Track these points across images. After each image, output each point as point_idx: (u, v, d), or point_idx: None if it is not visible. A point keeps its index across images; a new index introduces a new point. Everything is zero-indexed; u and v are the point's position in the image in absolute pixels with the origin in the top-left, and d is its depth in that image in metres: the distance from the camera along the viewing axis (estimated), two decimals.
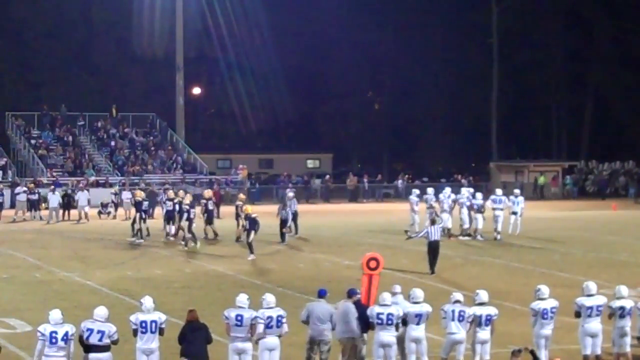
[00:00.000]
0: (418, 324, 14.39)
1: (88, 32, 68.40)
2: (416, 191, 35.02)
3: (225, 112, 73.86)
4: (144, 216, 31.56)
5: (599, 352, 14.83)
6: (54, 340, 12.65)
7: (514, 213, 33.76)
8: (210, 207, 32.27)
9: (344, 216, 43.47)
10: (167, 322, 13.58)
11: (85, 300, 20.01)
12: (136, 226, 31.46)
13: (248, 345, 13.66)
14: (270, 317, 13.72)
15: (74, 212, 39.74)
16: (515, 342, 15.10)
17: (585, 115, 73.06)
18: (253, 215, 27.48)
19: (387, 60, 72.81)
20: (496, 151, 69.03)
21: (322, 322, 14.33)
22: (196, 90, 70.62)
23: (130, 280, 23.68)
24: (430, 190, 34.51)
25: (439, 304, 14.79)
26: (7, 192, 43.92)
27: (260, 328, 13.64)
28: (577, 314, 14.88)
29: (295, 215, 32.95)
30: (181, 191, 34.17)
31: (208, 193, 33.68)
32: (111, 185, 47.39)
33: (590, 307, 14.75)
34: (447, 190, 34.21)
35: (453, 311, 14.44)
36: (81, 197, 39.71)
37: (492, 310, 14.56)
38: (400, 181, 57.99)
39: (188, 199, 30.63)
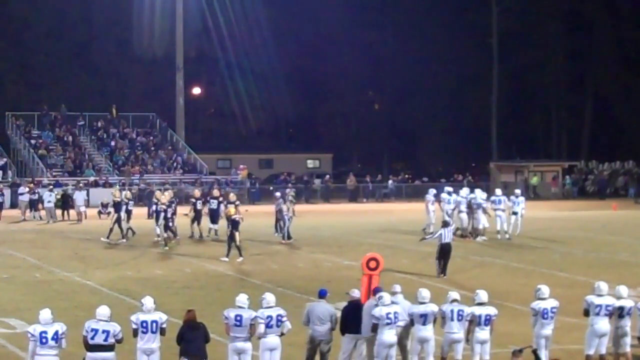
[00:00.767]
0: (424, 324, 14.38)
1: (88, 32, 68.43)
2: (433, 190, 34.84)
3: (225, 112, 73.87)
4: (123, 216, 31.51)
5: (603, 351, 14.82)
6: (44, 340, 12.63)
7: (515, 213, 33.75)
8: (214, 206, 32.26)
9: (344, 216, 43.47)
10: (167, 322, 13.57)
11: (85, 300, 20.01)
12: (125, 225, 31.65)
13: (248, 345, 13.65)
14: (270, 317, 13.70)
15: (73, 212, 39.72)
16: (516, 342, 15.09)
17: (585, 115, 73.07)
18: (234, 217, 27.23)
19: (387, 60, 72.84)
20: (496, 151, 69.05)
21: (323, 322, 14.32)
22: (196, 90, 70.63)
23: (130, 280, 23.67)
24: (448, 189, 34.42)
25: (439, 304, 14.78)
26: (7, 192, 43.96)
27: (262, 328, 13.64)
28: (586, 312, 14.88)
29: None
30: (157, 191, 34.27)
31: (197, 193, 33.72)
32: (111, 185, 47.38)
33: (599, 306, 14.75)
34: (465, 190, 34.10)
35: (452, 311, 14.44)
36: (78, 197, 39.63)
37: (491, 310, 14.55)
38: (390, 182, 57.90)
39: (164, 199, 30.69)
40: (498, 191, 34.84)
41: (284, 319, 13.81)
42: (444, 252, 24.06)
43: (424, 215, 34.66)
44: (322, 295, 14.73)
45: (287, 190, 36.97)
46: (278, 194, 35.46)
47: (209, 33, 67.63)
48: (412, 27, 70.25)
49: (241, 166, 57.14)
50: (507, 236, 32.70)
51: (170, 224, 29.87)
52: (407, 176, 63.84)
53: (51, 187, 41.88)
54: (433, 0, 69.08)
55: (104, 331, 12.87)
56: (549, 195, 57.95)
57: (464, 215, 32.60)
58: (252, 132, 74.81)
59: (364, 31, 70.08)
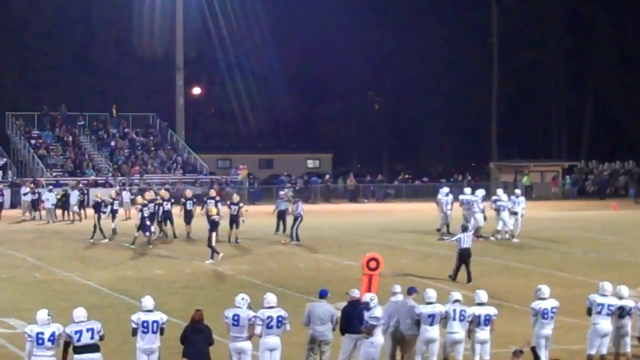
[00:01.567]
0: (432, 324, 14.40)
1: (88, 32, 68.40)
2: (445, 189, 34.82)
3: (225, 112, 73.84)
4: (102, 216, 31.51)
5: (604, 351, 14.85)
6: (40, 341, 12.64)
7: (515, 213, 33.72)
8: (189, 207, 32.31)
9: (344, 216, 43.47)
10: (167, 322, 13.57)
11: (85, 300, 19.99)
12: (111, 225, 31.68)
13: (247, 345, 13.66)
14: (270, 317, 13.71)
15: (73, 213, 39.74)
16: (516, 342, 15.09)
17: (585, 115, 73.08)
18: (213, 217, 27.14)
19: (387, 60, 72.81)
20: (496, 151, 69.04)
21: (323, 322, 14.33)
22: (196, 90, 70.61)
23: (130, 280, 23.68)
24: (467, 190, 34.36)
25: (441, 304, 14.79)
26: (7, 192, 43.97)
27: (258, 329, 13.62)
28: (589, 311, 14.89)
29: (284, 214, 33.46)
30: (113, 191, 34.39)
31: (189, 193, 33.73)
32: (111, 185, 47.38)
33: (602, 304, 14.77)
34: (480, 191, 34.06)
35: (454, 311, 14.45)
36: (72, 196, 39.54)
37: (491, 310, 14.57)
38: (396, 182, 57.87)
39: (140, 200, 30.78)
40: (499, 191, 34.85)
41: (285, 321, 13.82)
42: (463, 257, 23.32)
43: (437, 215, 34.51)
44: (322, 295, 14.74)
45: (285, 191, 36.99)
46: (282, 192, 35.50)
47: (209, 33, 67.59)
48: (412, 27, 70.23)
49: (241, 166, 57.12)
50: (507, 236, 32.71)
51: (148, 222, 29.84)
52: (407, 176, 63.84)
53: (51, 187, 41.84)
54: (433, 1, 69.07)
55: (88, 329, 12.86)
56: (548, 195, 57.93)
57: (480, 216, 32.59)
58: (252, 132, 74.77)
59: (364, 31, 70.04)
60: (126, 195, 40.05)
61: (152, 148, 56.05)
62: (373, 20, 70.68)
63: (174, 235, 32.21)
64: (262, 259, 27.51)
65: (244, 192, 51.39)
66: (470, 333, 14.52)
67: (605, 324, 14.79)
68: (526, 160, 64.26)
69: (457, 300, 14.57)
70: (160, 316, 13.40)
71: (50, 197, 39.13)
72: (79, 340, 12.78)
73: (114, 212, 32.21)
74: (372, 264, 15.98)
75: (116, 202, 32.55)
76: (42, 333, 12.67)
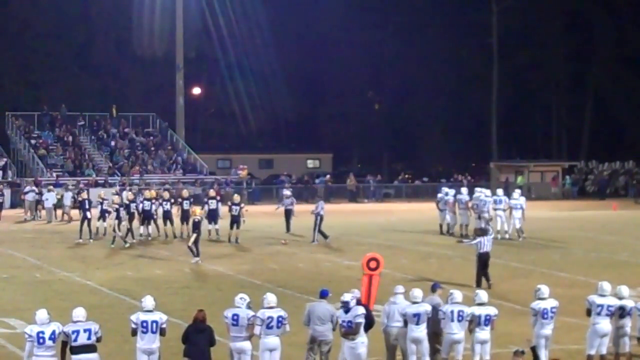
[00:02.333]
0: (417, 324, 14.39)
1: (88, 32, 68.36)
2: (450, 191, 34.80)
3: (225, 112, 73.81)
4: (88, 216, 31.50)
5: (604, 352, 14.85)
6: (41, 341, 12.64)
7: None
8: (213, 206, 32.26)
9: (344, 216, 43.45)
10: (167, 322, 13.56)
11: (85, 300, 19.98)
12: (101, 225, 31.79)
13: (247, 345, 13.65)
14: (270, 317, 13.70)
15: (74, 212, 39.68)
16: (516, 342, 15.09)
17: (585, 115, 73.06)
18: (195, 218, 27.05)
19: (387, 60, 72.80)
20: (496, 151, 69.02)
21: (323, 322, 14.32)
22: (196, 90, 70.59)
23: (130, 280, 23.68)
24: (464, 190, 34.47)
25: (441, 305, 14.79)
26: (7, 192, 43.97)
27: (257, 330, 13.62)
28: (588, 312, 14.90)
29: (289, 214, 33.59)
30: (102, 191, 34.35)
31: (185, 193, 33.74)
32: (111, 185, 47.36)
33: (601, 305, 14.77)
34: (487, 191, 34.14)
35: (452, 312, 14.45)
36: (66, 197, 39.30)
37: (492, 310, 14.56)
38: (371, 180, 57.88)
39: (117, 199, 30.89)
40: (499, 191, 34.89)
41: (285, 321, 13.81)
42: (482, 262, 22.71)
43: (438, 215, 34.58)
44: (323, 295, 14.72)
45: (285, 190, 37.00)
46: (288, 192, 35.45)
47: (209, 33, 67.58)
48: (412, 27, 70.18)
49: (241, 166, 57.11)
50: (507, 236, 32.76)
51: (123, 222, 29.86)
52: (407, 176, 63.82)
53: (50, 187, 41.84)
54: (433, 0, 69.04)
55: (85, 330, 12.85)
56: (548, 195, 57.94)
57: (486, 216, 32.70)
58: (252, 132, 74.79)
59: (364, 31, 70.02)
60: (126, 196, 39.99)
61: (152, 148, 56.04)
62: (373, 20, 70.62)
63: (174, 235, 32.22)
64: (262, 259, 27.52)
65: (243, 192, 51.35)
66: (470, 333, 14.53)
67: (605, 324, 14.79)
68: (526, 160, 64.28)
69: (456, 301, 14.58)
70: (159, 316, 13.39)
71: (49, 197, 39.14)
72: (75, 340, 12.78)
73: (103, 212, 32.11)
74: (372, 264, 15.96)
75: (106, 202, 32.38)
76: (43, 332, 12.67)
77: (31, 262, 26.74)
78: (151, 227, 32.28)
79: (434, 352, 14.66)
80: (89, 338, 12.82)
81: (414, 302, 14.51)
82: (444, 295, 15.08)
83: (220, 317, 13.96)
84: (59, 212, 39.63)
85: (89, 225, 31.41)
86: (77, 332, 12.81)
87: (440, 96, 72.20)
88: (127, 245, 29.74)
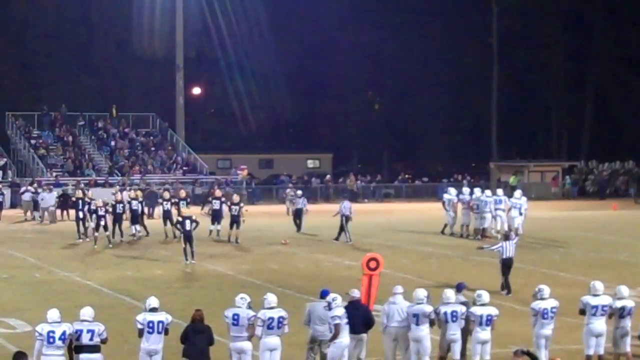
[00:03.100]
0: (417, 324, 14.40)
1: (88, 32, 68.37)
2: (453, 190, 34.80)
3: (225, 112, 73.81)
4: (81, 216, 31.48)
5: (601, 352, 14.86)
6: (51, 340, 12.64)
7: (519, 214, 33.69)
8: (217, 206, 32.23)
9: None
10: (172, 322, 13.58)
11: (85, 300, 19.95)
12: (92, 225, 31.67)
13: (247, 345, 13.66)
14: (271, 318, 13.69)
15: (72, 213, 39.66)
16: (516, 342, 15.10)
17: (585, 115, 73.04)
18: (178, 218, 26.98)
19: (387, 60, 72.75)
20: (496, 151, 69.01)
21: (323, 322, 14.33)
22: (196, 90, 70.58)
23: (130, 280, 23.68)
24: (466, 190, 34.47)
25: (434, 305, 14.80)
26: (7, 192, 43.97)
27: (259, 330, 13.62)
28: (582, 312, 14.89)
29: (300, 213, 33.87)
30: (90, 192, 34.36)
31: (183, 193, 33.72)
32: (111, 185, 47.36)
33: (596, 306, 14.77)
34: (490, 192, 34.16)
35: (445, 313, 14.49)
36: (46, 197, 39.16)
37: (493, 311, 14.58)
38: (359, 182, 57.90)
39: (100, 202, 30.67)
40: (499, 191, 34.90)
41: (285, 321, 13.81)
42: (506, 267, 22.18)
43: (443, 215, 34.58)
44: (323, 295, 14.72)
45: (288, 190, 37.00)
46: (300, 192, 35.48)
47: (209, 33, 67.57)
48: (412, 27, 70.18)
49: (241, 166, 57.11)
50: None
51: (102, 223, 29.74)
52: (407, 176, 63.81)
53: (51, 187, 41.85)
54: (433, 1, 69.03)
55: (88, 331, 12.87)
56: (548, 195, 57.90)
57: (488, 216, 32.72)
58: (252, 132, 74.76)
59: (364, 31, 70.02)
60: (126, 196, 40.01)
61: (152, 148, 56.06)
62: (373, 20, 70.61)
63: (173, 235, 32.19)
64: (262, 259, 27.52)
65: (243, 192, 51.36)
66: (470, 333, 14.54)
67: (599, 324, 14.79)
68: (526, 160, 64.28)
69: (449, 301, 14.60)
70: (165, 316, 13.42)
71: (45, 197, 39.07)
72: (78, 339, 12.82)
73: (91, 214, 32.00)
74: (372, 264, 15.95)
75: (93, 202, 32.36)
76: (53, 332, 12.68)
77: (31, 262, 26.74)
78: (138, 226, 32.23)
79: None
80: (91, 339, 12.84)
81: (418, 303, 14.50)
82: (470, 296, 15.13)
83: (220, 317, 13.96)
84: (58, 212, 39.60)
85: (84, 224, 31.38)
86: (81, 331, 12.85)
87: (440, 96, 72.16)
88: (95, 246, 29.59)
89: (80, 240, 31.11)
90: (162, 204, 32.94)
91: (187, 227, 26.23)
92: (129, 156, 54.70)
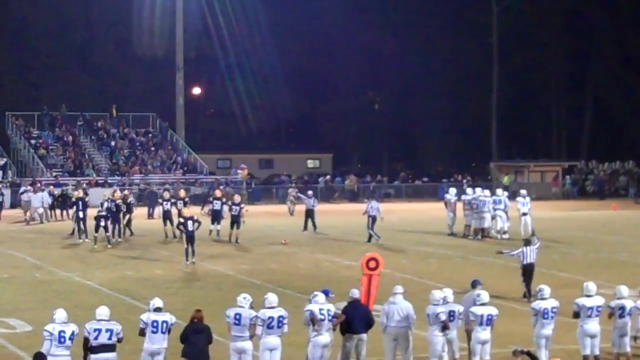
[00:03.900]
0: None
1: (88, 32, 68.40)
2: (453, 190, 34.79)
3: (225, 112, 73.82)
4: (81, 216, 31.45)
5: (597, 352, 14.87)
6: (62, 340, 12.70)
7: (524, 214, 33.68)
8: (217, 207, 32.20)
9: (344, 216, 43.42)
10: (175, 323, 13.60)
11: (85, 300, 20.01)
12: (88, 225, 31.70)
13: (248, 345, 13.66)
14: (271, 318, 13.70)
15: (71, 212, 39.60)
16: (516, 342, 15.10)
17: (585, 115, 73.08)
18: (182, 220, 26.95)
19: (387, 60, 72.76)
20: (496, 151, 69.03)
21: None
22: (196, 90, 70.59)
23: (130, 280, 23.67)
24: (469, 190, 34.45)
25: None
26: (7, 192, 43.97)
27: (259, 330, 13.62)
28: (576, 315, 14.90)
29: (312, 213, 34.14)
30: (80, 191, 34.40)
31: (182, 193, 33.68)
32: (110, 185, 47.35)
33: (591, 308, 14.78)
34: (489, 192, 34.14)
35: (439, 314, 14.49)
36: (33, 198, 39.00)
37: (493, 311, 14.58)
38: (347, 181, 57.84)
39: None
40: (499, 191, 34.89)
41: (285, 321, 13.82)
42: (527, 272, 21.57)
43: (445, 215, 34.57)
44: (324, 295, 14.72)
45: (290, 190, 37.01)
46: (310, 192, 35.51)
47: (209, 33, 67.57)
48: (412, 27, 70.18)
49: (241, 166, 57.10)
50: (506, 236, 32.75)
51: (102, 223, 29.64)
52: (408, 176, 63.79)
53: (51, 187, 41.85)
54: (433, 0, 69.05)
55: (107, 330, 12.92)
56: (548, 195, 57.90)
57: (488, 215, 32.70)
58: (252, 132, 74.75)
59: (364, 31, 70.02)
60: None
61: (152, 148, 56.05)
62: (373, 20, 70.64)
63: (173, 235, 32.18)
64: (262, 259, 27.52)
65: (243, 192, 51.35)
66: (470, 333, 14.56)
67: (593, 325, 14.79)
68: (526, 160, 64.28)
69: (445, 302, 14.62)
70: (169, 317, 13.46)
71: (48, 197, 39.08)
72: (96, 338, 12.85)
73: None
74: (372, 264, 15.94)
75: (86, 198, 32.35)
76: (64, 332, 12.73)
77: (31, 262, 26.74)
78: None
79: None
80: (109, 338, 12.91)
81: (434, 304, 14.57)
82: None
83: (220, 316, 13.96)
84: (58, 212, 39.59)
85: (84, 224, 31.36)
86: (99, 330, 12.89)
87: (440, 96, 72.18)
88: (96, 247, 29.59)
89: (80, 240, 31.12)
90: (162, 204, 32.92)
91: (190, 227, 26.22)
92: (129, 156, 54.70)
